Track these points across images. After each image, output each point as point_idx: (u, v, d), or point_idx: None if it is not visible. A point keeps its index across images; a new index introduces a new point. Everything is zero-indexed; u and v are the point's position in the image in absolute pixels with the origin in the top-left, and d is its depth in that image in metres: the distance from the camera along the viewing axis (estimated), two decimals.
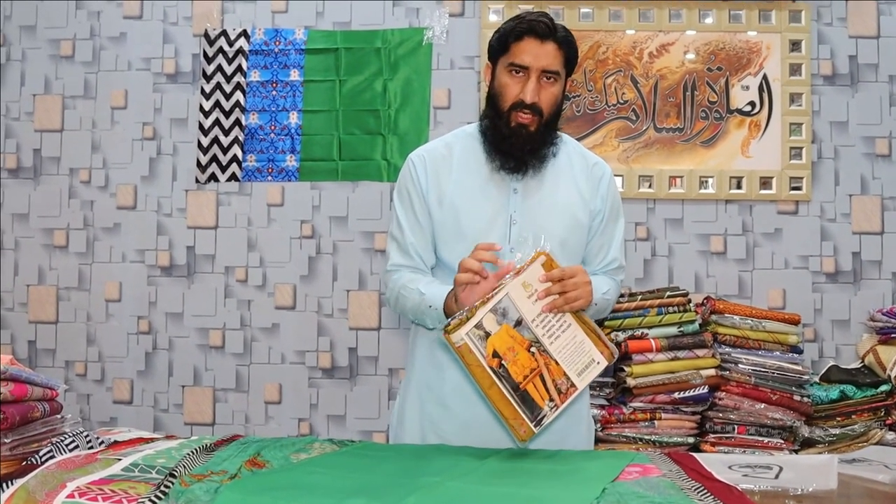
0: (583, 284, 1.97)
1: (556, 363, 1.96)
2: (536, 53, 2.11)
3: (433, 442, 2.20)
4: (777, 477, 1.87)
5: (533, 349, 1.97)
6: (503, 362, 1.96)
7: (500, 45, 2.17)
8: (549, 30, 2.12)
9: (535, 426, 1.94)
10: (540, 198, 2.23)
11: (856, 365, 3.40)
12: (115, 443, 2.01)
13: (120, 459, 1.76)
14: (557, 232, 2.20)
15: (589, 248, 2.30)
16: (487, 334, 1.97)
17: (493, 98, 2.20)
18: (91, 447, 1.92)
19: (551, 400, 1.95)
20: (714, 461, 1.99)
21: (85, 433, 1.95)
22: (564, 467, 1.86)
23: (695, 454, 2.09)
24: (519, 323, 1.97)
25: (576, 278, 1.96)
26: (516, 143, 2.16)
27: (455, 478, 1.72)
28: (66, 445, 1.85)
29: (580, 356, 1.97)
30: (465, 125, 2.35)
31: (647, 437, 3.11)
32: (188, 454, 1.81)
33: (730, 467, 1.96)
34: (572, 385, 1.96)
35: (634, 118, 3.57)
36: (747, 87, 3.57)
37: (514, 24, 2.15)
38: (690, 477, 1.80)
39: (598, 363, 1.97)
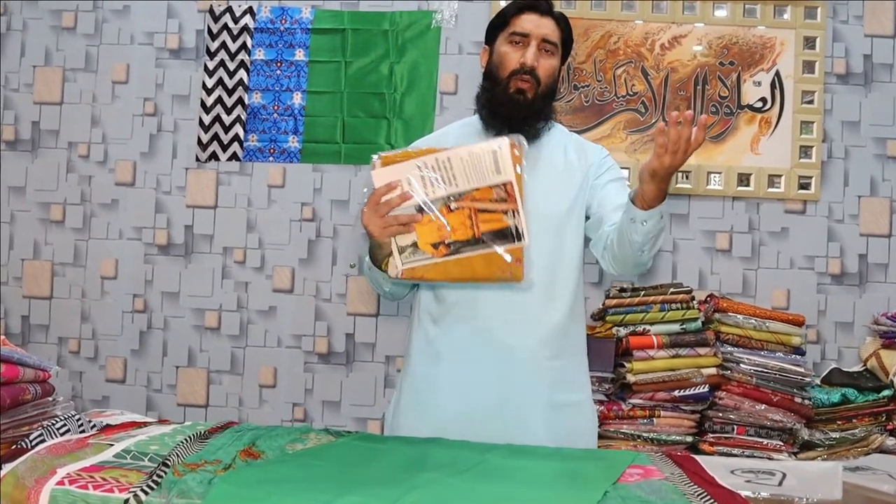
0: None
1: (476, 189, 1.89)
2: (537, 23, 2.19)
3: (425, 433, 2.17)
4: (780, 484, 1.84)
5: (452, 205, 1.90)
6: (446, 241, 1.92)
7: (500, 21, 2.25)
8: (548, 7, 2.22)
9: (520, 241, 1.89)
10: (532, 177, 2.21)
11: (858, 368, 3.36)
12: (108, 427, 1.98)
13: (112, 445, 1.72)
14: (552, 208, 2.21)
15: (602, 202, 2.24)
16: (414, 243, 1.93)
17: (491, 71, 2.25)
18: (83, 431, 1.88)
19: (505, 212, 1.89)
20: (716, 464, 1.96)
21: (77, 416, 1.91)
22: (565, 467, 1.83)
23: (696, 457, 2.06)
24: (422, 210, 1.90)
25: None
26: (513, 108, 2.19)
27: (454, 475, 1.68)
28: (58, 429, 1.81)
29: (483, 162, 1.88)
30: (463, 119, 2.38)
31: (645, 434, 3.08)
32: (182, 441, 1.78)
33: (732, 472, 1.93)
34: (506, 183, 1.88)
35: (643, 110, 3.52)
36: (759, 83, 3.52)
37: (514, 2, 2.24)
38: (693, 481, 1.77)
39: (500, 148, 1.88)
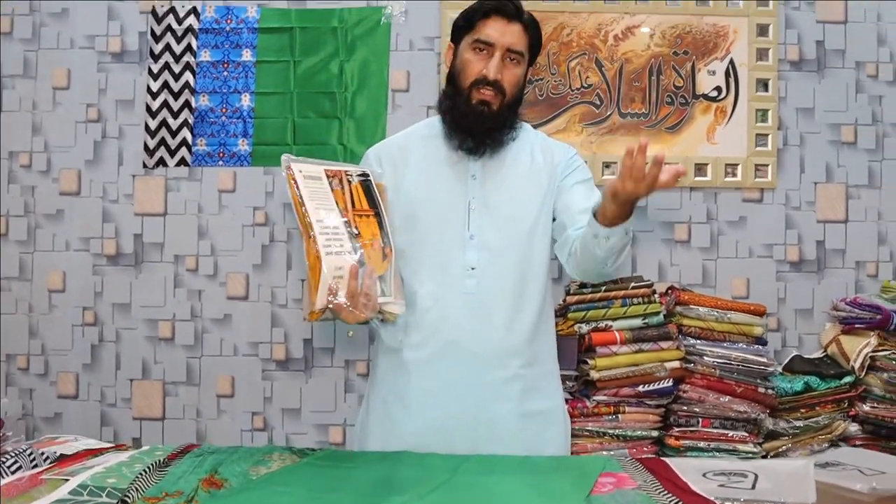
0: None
1: (337, 205, 1.96)
2: (503, 31, 2.11)
3: (395, 445, 2.13)
4: (753, 487, 1.84)
5: (354, 231, 1.95)
6: (382, 244, 2.01)
7: (466, 22, 2.17)
8: (517, 11, 2.14)
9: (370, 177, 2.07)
10: (499, 182, 2.18)
11: (818, 354, 3.38)
12: (62, 457, 1.91)
13: (67, 480, 1.66)
14: (518, 214, 2.17)
15: (568, 204, 2.19)
16: (380, 278, 1.96)
17: (454, 76, 2.18)
18: (35, 465, 1.81)
19: (350, 182, 2.02)
20: (687, 468, 1.95)
21: (28, 451, 1.84)
22: (537, 481, 1.80)
23: (667, 459, 2.05)
24: (362, 263, 1.93)
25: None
26: (476, 120, 2.12)
27: (425, 496, 1.65)
28: (9, 467, 1.74)
29: (314, 191, 1.95)
30: (425, 119, 2.33)
31: (610, 431, 3.06)
32: (140, 473, 1.71)
33: (704, 475, 1.92)
34: (328, 176, 1.99)
35: (598, 103, 3.48)
36: (713, 72, 3.49)
37: (481, 3, 2.16)
38: (666, 489, 1.75)
39: (297, 179, 1.96)
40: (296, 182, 1.91)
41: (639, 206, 3.36)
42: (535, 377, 2.19)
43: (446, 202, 2.15)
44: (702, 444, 3.04)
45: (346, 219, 1.92)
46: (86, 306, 3.53)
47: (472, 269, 2.12)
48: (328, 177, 1.95)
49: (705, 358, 3.09)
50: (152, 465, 1.78)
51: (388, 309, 2.00)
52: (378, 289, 1.95)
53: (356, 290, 1.88)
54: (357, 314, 1.91)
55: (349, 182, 1.98)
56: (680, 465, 1.96)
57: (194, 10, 3.54)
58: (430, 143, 2.23)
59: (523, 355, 2.16)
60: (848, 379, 3.17)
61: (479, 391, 2.12)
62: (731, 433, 3.06)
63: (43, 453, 1.89)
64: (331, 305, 1.88)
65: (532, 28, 2.17)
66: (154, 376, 3.51)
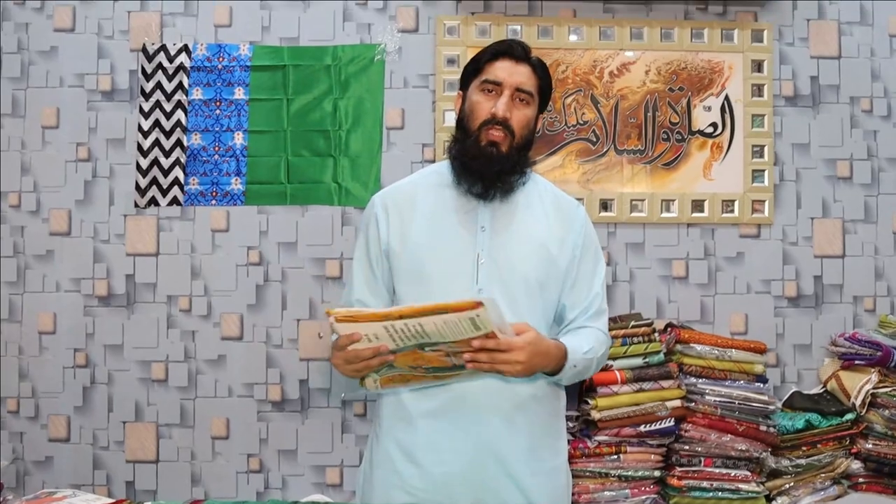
0: (514, 362, 1.85)
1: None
2: (511, 71, 2.10)
3: (399, 498, 2.09)
4: None
5: (426, 349, 1.84)
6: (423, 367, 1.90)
7: (474, 66, 2.16)
8: (525, 53, 2.13)
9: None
10: (509, 235, 2.13)
11: (818, 390, 3.37)
12: None
13: None
14: (528, 271, 2.11)
15: (566, 290, 2.18)
16: (389, 364, 1.88)
17: (462, 120, 2.15)
18: None
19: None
20: None
21: None
22: None
23: None
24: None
25: (508, 354, 1.84)
26: (485, 162, 2.08)
27: None
28: None
29: (461, 325, 1.76)
30: (433, 164, 2.28)
31: (612, 471, 3.04)
32: None
33: None
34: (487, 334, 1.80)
35: (595, 139, 3.47)
36: (709, 108, 3.49)
37: (488, 46, 2.16)
38: None
39: (478, 316, 1.74)
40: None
41: (636, 243, 3.40)
42: (542, 435, 2.15)
43: (454, 255, 2.10)
44: (704, 484, 3.03)
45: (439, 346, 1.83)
46: (77, 348, 3.47)
47: None
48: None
49: (706, 397, 3.08)
50: None
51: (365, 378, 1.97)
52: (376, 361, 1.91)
53: (368, 357, 1.84)
54: (346, 367, 1.90)
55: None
56: None
57: (185, 48, 3.51)
58: (438, 192, 2.18)
59: (530, 412, 2.12)
60: (849, 416, 3.16)
61: (483, 446, 2.07)
62: (733, 472, 3.05)
63: None
64: (355, 338, 1.82)
65: (541, 70, 2.15)
66: (147, 418, 3.46)
